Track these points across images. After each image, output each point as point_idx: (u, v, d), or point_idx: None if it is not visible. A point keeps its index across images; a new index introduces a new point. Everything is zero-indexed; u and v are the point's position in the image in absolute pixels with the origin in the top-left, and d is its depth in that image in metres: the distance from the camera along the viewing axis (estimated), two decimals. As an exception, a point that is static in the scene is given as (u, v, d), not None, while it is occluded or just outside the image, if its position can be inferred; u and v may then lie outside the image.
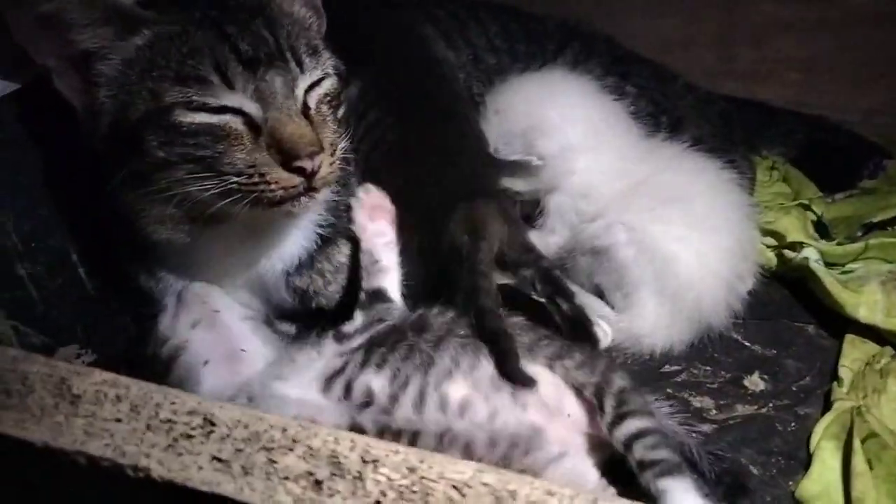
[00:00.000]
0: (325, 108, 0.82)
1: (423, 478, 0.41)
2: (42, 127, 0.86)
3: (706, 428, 0.92)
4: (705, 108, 1.35)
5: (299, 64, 0.79)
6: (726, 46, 1.50)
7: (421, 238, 0.90)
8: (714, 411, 0.95)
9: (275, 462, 0.43)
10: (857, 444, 0.83)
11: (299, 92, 0.78)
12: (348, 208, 0.97)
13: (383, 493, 0.41)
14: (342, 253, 0.97)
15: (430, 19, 1.26)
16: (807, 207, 1.22)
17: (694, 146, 1.11)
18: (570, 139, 1.06)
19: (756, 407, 0.95)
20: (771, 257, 1.14)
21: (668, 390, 0.98)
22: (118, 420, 0.46)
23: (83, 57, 0.77)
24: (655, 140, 1.13)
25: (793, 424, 0.93)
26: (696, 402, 0.97)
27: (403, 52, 1.15)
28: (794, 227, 1.14)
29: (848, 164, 1.33)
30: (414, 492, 0.41)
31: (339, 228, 0.96)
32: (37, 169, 0.88)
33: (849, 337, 1.01)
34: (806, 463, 0.87)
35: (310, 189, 0.78)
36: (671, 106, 1.28)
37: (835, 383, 0.95)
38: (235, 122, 0.75)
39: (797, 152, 1.38)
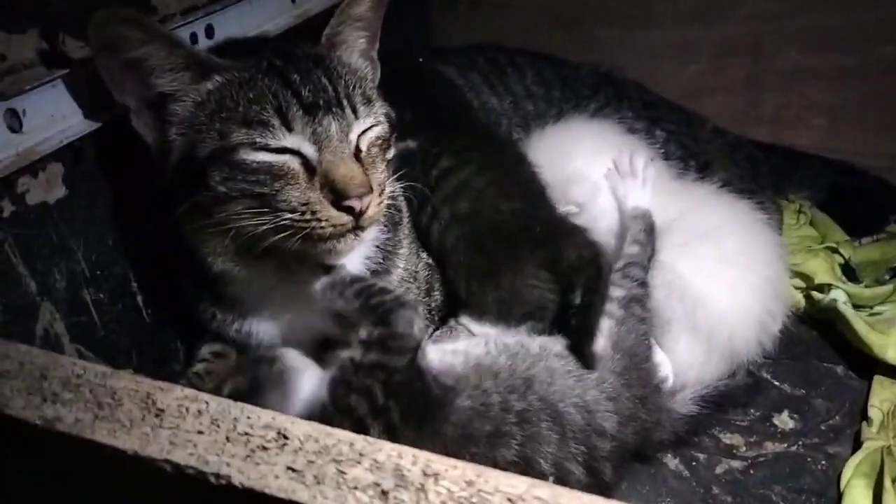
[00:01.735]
0: (375, 151, 0.87)
1: (480, 490, 0.45)
2: (117, 163, 0.93)
3: (737, 464, 0.95)
4: (733, 152, 1.39)
5: (354, 111, 0.85)
6: (754, 92, 1.55)
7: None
8: (744, 448, 0.98)
9: (344, 473, 0.47)
10: (887, 482, 0.85)
11: (353, 136, 0.84)
12: (394, 249, 1.01)
13: (444, 504, 0.44)
14: None
15: (473, 67, 1.32)
16: (834, 251, 1.25)
17: (724, 188, 1.15)
18: (599, 183, 1.09)
19: (786, 445, 0.98)
20: (799, 299, 1.16)
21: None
22: (200, 432, 0.50)
23: (159, 98, 0.83)
24: (686, 180, 1.16)
25: (823, 463, 0.95)
26: (727, 438, 0.99)
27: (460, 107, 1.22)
28: (821, 269, 1.17)
29: (874, 208, 1.36)
30: (472, 503, 0.44)
31: (385, 268, 1.00)
32: (109, 201, 0.94)
33: (878, 378, 1.03)
34: (836, 501, 0.89)
35: (357, 227, 0.83)
36: (700, 150, 1.32)
37: (864, 423, 0.97)
38: (293, 162, 0.81)
39: (824, 196, 1.41)
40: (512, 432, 0.76)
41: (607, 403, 0.82)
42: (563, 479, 0.76)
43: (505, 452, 0.75)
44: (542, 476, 0.74)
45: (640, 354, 0.88)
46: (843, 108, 1.48)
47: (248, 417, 0.51)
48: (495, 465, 0.73)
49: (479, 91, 1.29)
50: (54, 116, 0.86)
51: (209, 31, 1.05)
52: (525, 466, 0.75)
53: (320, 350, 1.05)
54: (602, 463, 0.80)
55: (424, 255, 1.08)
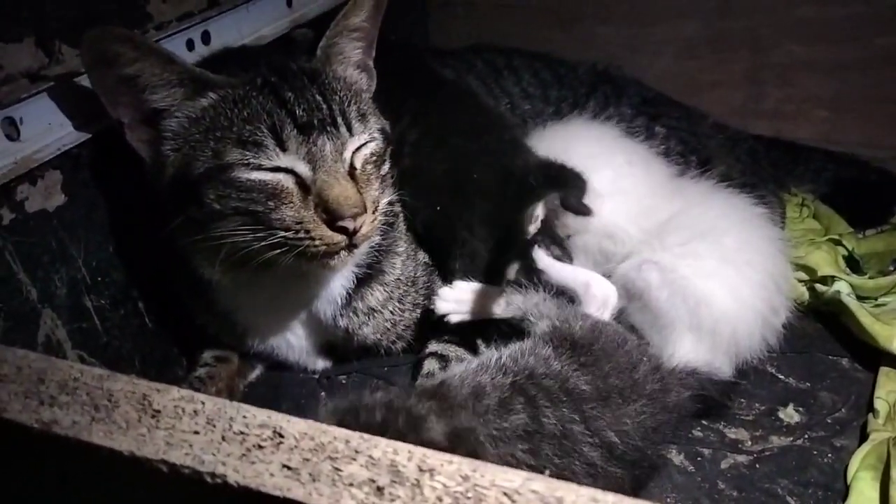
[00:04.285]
0: (370, 167, 0.87)
1: (476, 485, 0.45)
2: (116, 170, 0.93)
3: (742, 459, 0.94)
4: (734, 147, 1.38)
5: (349, 128, 0.84)
6: (754, 86, 1.55)
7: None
8: (749, 442, 0.97)
9: (339, 470, 0.46)
10: (894, 474, 0.84)
11: (347, 154, 0.84)
12: (389, 248, 1.01)
13: (440, 499, 0.44)
14: (375, 297, 1.01)
15: (470, 70, 1.32)
16: (837, 243, 1.24)
17: (723, 183, 1.14)
18: (592, 186, 1.08)
19: (791, 438, 0.97)
20: (803, 292, 1.15)
21: (703, 422, 0.99)
22: (196, 432, 0.50)
23: (153, 114, 0.83)
24: (685, 178, 1.16)
25: (829, 456, 0.94)
26: (731, 433, 0.99)
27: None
28: (825, 261, 1.16)
29: (878, 200, 1.35)
30: (468, 498, 0.44)
31: (379, 269, 1.00)
32: (109, 208, 0.95)
33: (883, 369, 1.02)
34: (843, 494, 0.88)
35: (350, 245, 0.83)
36: (700, 145, 1.31)
37: (870, 415, 0.96)
38: (287, 181, 0.81)
39: (827, 189, 1.40)
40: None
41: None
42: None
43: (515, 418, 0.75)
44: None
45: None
46: (844, 100, 1.48)
47: (244, 417, 0.51)
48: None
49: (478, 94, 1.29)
50: (52, 124, 0.86)
51: (205, 38, 1.06)
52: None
53: (319, 353, 1.06)
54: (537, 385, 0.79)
55: (422, 255, 1.07)
